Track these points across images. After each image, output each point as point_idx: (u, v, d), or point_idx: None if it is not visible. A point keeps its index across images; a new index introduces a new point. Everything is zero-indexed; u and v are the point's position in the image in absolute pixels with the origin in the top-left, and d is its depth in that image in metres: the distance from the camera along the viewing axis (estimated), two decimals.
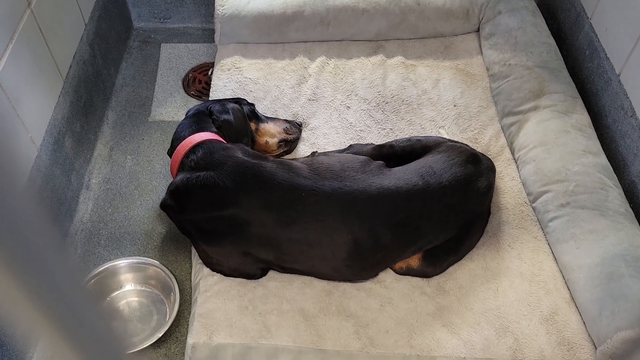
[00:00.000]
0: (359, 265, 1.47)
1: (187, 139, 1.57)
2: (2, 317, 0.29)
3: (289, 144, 1.80)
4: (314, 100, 1.96)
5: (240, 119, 1.69)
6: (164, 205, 1.56)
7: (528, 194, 1.68)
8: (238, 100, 1.78)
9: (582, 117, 1.77)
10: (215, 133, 1.61)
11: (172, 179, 1.57)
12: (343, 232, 1.41)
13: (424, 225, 1.47)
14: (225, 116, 1.65)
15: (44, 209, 0.28)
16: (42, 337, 0.31)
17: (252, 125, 1.75)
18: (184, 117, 1.73)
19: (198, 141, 1.54)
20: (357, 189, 1.43)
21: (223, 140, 1.59)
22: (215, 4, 2.13)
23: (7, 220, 0.26)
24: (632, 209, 1.58)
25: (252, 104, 1.82)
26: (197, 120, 1.65)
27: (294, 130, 1.81)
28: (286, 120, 1.84)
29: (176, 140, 1.61)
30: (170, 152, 1.62)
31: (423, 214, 1.45)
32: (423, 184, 1.45)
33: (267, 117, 1.83)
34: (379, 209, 1.43)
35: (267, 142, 1.76)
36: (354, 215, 1.42)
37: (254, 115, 1.78)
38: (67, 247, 0.28)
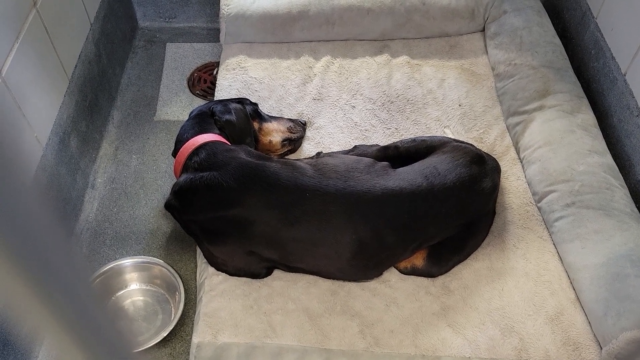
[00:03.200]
0: (363, 265, 1.47)
1: (190, 140, 1.57)
2: (8, 315, 0.29)
3: (293, 142, 1.80)
4: (319, 99, 1.96)
5: (242, 118, 1.69)
6: (168, 206, 1.56)
7: (533, 194, 1.68)
8: (241, 100, 1.78)
9: (588, 116, 1.77)
10: (218, 134, 1.61)
11: (175, 181, 1.58)
12: (347, 232, 1.41)
13: (428, 225, 1.46)
14: (227, 116, 1.66)
15: (50, 207, 0.28)
16: (48, 336, 0.31)
17: (255, 125, 1.75)
18: (187, 117, 1.74)
19: (201, 143, 1.55)
20: (361, 189, 1.43)
21: (226, 142, 1.59)
22: (221, 4, 2.13)
23: (13, 218, 0.26)
24: (638, 209, 1.57)
25: (255, 104, 1.82)
26: (200, 121, 1.65)
27: (297, 129, 1.81)
28: (290, 119, 1.84)
29: (179, 142, 1.62)
30: (175, 154, 1.62)
31: (427, 214, 1.45)
32: (427, 185, 1.45)
33: (270, 117, 1.83)
34: (383, 210, 1.42)
35: (270, 141, 1.76)
36: (358, 216, 1.42)
37: (256, 114, 1.78)
38: (73, 245, 0.28)
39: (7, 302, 0.29)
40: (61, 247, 0.29)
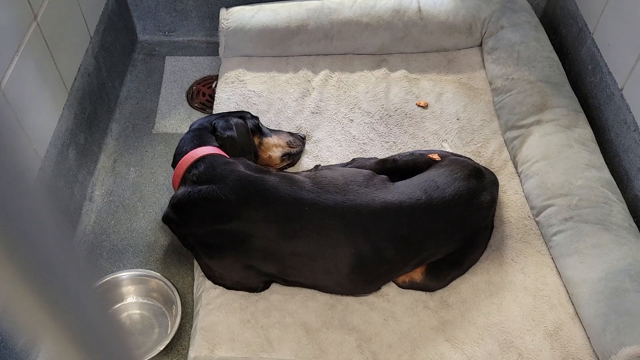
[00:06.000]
0: (361, 279, 1.46)
1: (189, 153, 1.57)
2: (8, 319, 0.29)
3: (292, 157, 1.80)
4: (317, 113, 1.97)
5: (244, 134, 1.69)
6: (166, 219, 1.56)
7: (531, 208, 1.68)
8: (242, 115, 1.78)
9: (585, 131, 1.77)
10: (218, 147, 1.61)
11: (173, 194, 1.57)
12: (346, 246, 1.41)
13: (427, 239, 1.46)
14: (229, 133, 1.66)
15: (54, 213, 0.28)
16: (47, 340, 0.31)
17: (256, 140, 1.75)
18: (187, 130, 1.74)
19: (200, 155, 1.55)
20: (360, 203, 1.43)
21: (225, 155, 1.59)
22: (220, 18, 2.15)
23: (16, 224, 0.26)
24: (636, 223, 1.57)
25: (256, 117, 1.82)
26: (200, 134, 1.65)
27: (297, 143, 1.82)
28: (290, 133, 1.84)
29: (178, 154, 1.62)
30: (174, 165, 1.63)
31: (426, 228, 1.45)
32: (426, 199, 1.45)
33: (270, 130, 1.83)
34: (382, 224, 1.42)
35: (270, 156, 1.76)
36: (357, 229, 1.41)
37: (257, 129, 1.78)
38: (76, 250, 0.28)
39: (7, 305, 0.29)
40: (63, 254, 0.29)
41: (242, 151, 1.66)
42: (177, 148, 1.66)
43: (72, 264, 0.30)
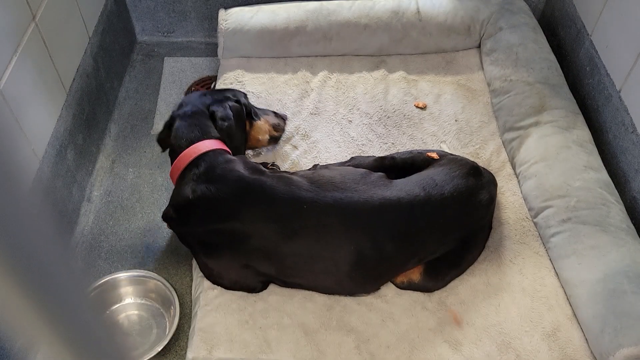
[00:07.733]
0: (362, 278, 1.47)
1: (189, 148, 1.53)
2: (4, 325, 0.29)
3: (276, 139, 1.87)
4: (316, 114, 1.97)
5: (240, 123, 1.70)
6: (165, 217, 1.56)
7: (529, 209, 1.68)
8: (236, 95, 1.77)
9: (583, 132, 1.78)
10: (217, 139, 1.59)
11: (173, 192, 1.57)
12: (345, 244, 1.41)
13: (426, 236, 1.47)
14: (227, 123, 1.64)
15: (49, 217, 0.28)
16: (44, 347, 0.31)
17: (247, 125, 1.77)
18: (179, 105, 1.69)
19: (202, 152, 1.53)
20: (359, 200, 1.43)
21: (225, 148, 1.58)
22: (219, 19, 2.15)
23: (11, 228, 0.26)
24: (634, 224, 1.57)
25: (246, 97, 1.83)
26: (199, 122, 1.61)
27: (282, 126, 1.87)
28: (275, 115, 1.87)
29: (178, 146, 1.58)
30: (171, 153, 1.61)
31: (425, 225, 1.45)
32: (425, 196, 1.45)
33: (258, 110, 1.83)
34: (381, 220, 1.42)
35: (259, 140, 1.81)
36: (357, 227, 1.42)
37: (248, 114, 1.79)
38: (72, 255, 0.28)
39: (2, 308, 0.29)
40: (59, 257, 0.29)
41: (238, 138, 1.68)
42: (174, 137, 1.60)
43: (68, 266, 0.30)
